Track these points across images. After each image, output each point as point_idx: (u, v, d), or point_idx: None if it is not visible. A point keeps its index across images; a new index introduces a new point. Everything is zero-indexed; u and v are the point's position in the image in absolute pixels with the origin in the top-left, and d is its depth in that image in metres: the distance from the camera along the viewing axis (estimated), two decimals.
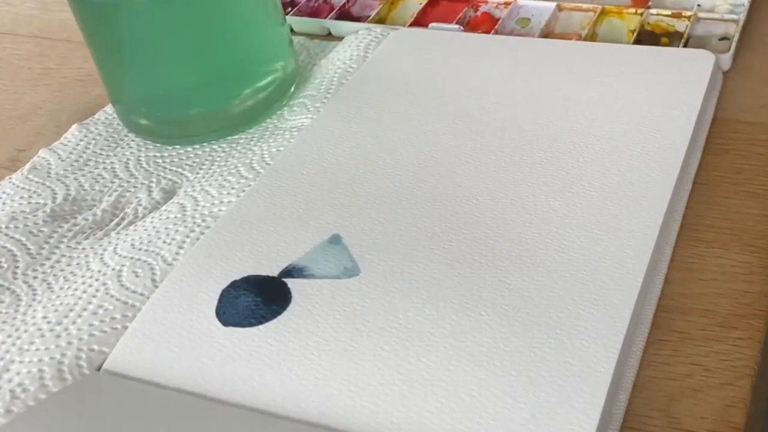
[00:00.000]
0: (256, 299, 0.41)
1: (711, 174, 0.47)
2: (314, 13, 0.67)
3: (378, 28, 0.62)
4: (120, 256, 0.46)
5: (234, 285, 0.42)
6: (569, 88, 0.53)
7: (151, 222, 0.48)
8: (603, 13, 0.63)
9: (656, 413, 0.36)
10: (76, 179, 0.53)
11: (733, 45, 0.56)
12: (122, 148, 0.56)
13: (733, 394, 0.36)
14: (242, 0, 0.53)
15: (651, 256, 0.40)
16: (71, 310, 0.43)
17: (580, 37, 0.60)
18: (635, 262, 0.40)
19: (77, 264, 0.47)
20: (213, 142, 0.55)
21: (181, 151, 0.55)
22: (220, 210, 0.48)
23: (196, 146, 0.55)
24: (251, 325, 0.40)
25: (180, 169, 0.53)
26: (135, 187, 0.52)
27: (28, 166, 0.54)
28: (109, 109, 0.59)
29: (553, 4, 0.64)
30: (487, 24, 0.64)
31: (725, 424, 0.35)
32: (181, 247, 0.46)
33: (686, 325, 0.39)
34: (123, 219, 0.50)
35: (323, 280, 0.42)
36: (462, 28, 0.62)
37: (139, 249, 0.46)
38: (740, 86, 0.54)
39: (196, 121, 0.55)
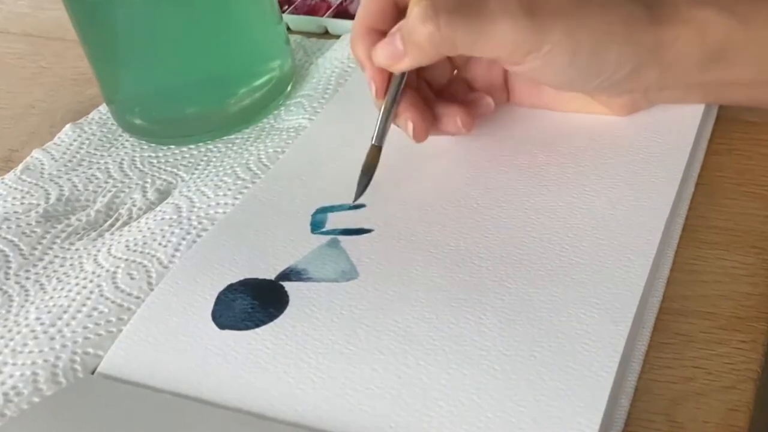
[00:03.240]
0: (253, 302, 0.41)
1: (714, 174, 0.46)
2: (311, 11, 0.67)
3: None
4: (114, 257, 0.46)
5: (230, 288, 0.42)
6: None
7: (146, 223, 0.48)
8: None
9: (658, 417, 0.36)
10: (69, 179, 0.53)
11: None
12: (116, 148, 0.55)
13: (737, 398, 0.36)
14: None
15: (653, 259, 0.40)
16: (65, 312, 0.43)
17: None
18: (637, 265, 0.40)
19: (71, 265, 0.46)
20: (208, 142, 0.54)
21: (176, 151, 0.54)
22: (216, 212, 0.48)
23: (192, 146, 0.54)
24: (248, 328, 0.40)
25: (175, 170, 0.53)
26: (129, 187, 0.52)
27: (21, 166, 0.54)
28: (104, 108, 0.58)
29: None
30: None
31: (728, 428, 0.35)
32: (177, 250, 0.45)
33: (688, 327, 0.39)
34: (117, 220, 0.49)
35: (321, 284, 0.41)
36: None
37: (134, 251, 0.46)
38: None
39: (191, 120, 0.55)
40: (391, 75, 0.45)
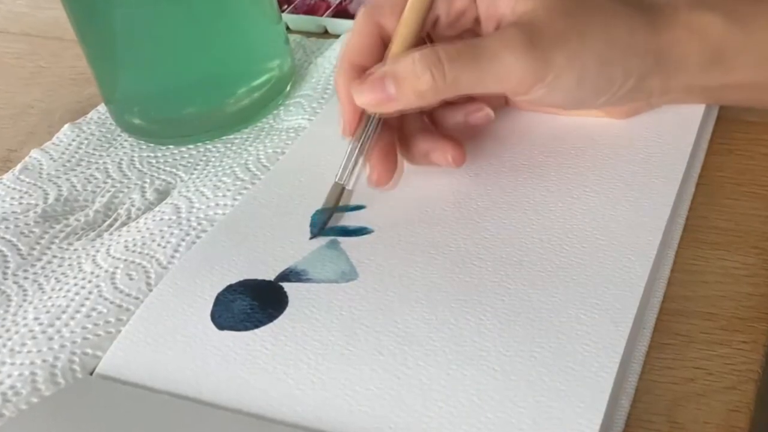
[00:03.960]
0: (252, 303, 0.41)
1: (714, 175, 0.46)
2: (310, 11, 0.67)
3: None
4: (113, 257, 0.45)
5: (230, 289, 0.42)
6: None
7: (145, 223, 0.48)
8: None
9: (659, 418, 0.36)
10: (68, 180, 0.52)
11: None
12: (115, 148, 0.55)
13: (737, 399, 0.36)
14: None
15: (654, 260, 0.40)
16: (64, 312, 0.43)
17: None
18: (638, 266, 0.40)
19: (69, 265, 0.46)
20: (207, 142, 0.54)
21: (175, 151, 0.54)
22: (215, 213, 0.48)
23: (191, 146, 0.54)
24: (247, 328, 0.40)
25: (174, 170, 0.53)
26: (128, 187, 0.52)
27: (19, 166, 0.54)
28: (102, 108, 0.58)
29: None
30: None
31: (729, 428, 0.35)
32: (176, 251, 0.45)
33: (689, 328, 0.39)
34: (116, 220, 0.49)
35: (320, 284, 0.41)
36: None
37: (133, 251, 0.46)
38: None
39: (190, 120, 0.54)
40: (363, 113, 0.43)
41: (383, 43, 0.44)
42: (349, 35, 0.45)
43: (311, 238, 0.44)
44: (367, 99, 0.42)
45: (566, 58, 0.40)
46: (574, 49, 0.41)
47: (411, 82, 0.40)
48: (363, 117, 0.44)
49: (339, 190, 0.44)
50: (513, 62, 0.40)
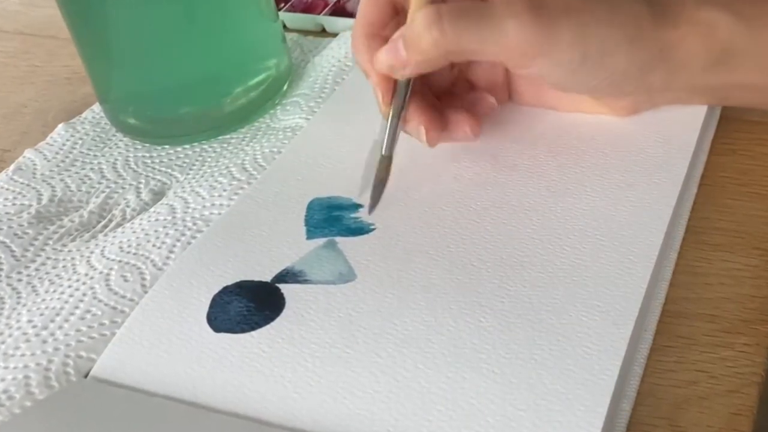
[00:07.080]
0: (249, 305, 0.40)
1: (717, 175, 0.46)
2: (308, 9, 0.66)
3: None
4: (108, 259, 0.45)
5: (226, 290, 0.41)
6: None
7: (140, 224, 0.47)
8: None
9: (661, 421, 0.35)
10: (62, 180, 0.52)
11: None
12: (110, 148, 0.55)
13: (740, 402, 0.36)
14: None
15: (656, 261, 0.40)
16: (58, 315, 0.42)
17: None
18: (639, 267, 0.39)
19: (63, 267, 0.46)
20: (203, 142, 0.54)
21: (171, 152, 0.54)
22: (211, 213, 0.47)
23: (186, 146, 0.54)
24: (243, 331, 0.39)
25: (169, 170, 0.52)
26: (123, 188, 0.51)
27: (12, 166, 0.53)
28: (97, 108, 0.58)
29: None
30: None
31: None
32: (171, 252, 0.45)
33: (691, 330, 0.38)
34: (110, 221, 0.49)
35: (318, 286, 0.41)
36: None
37: (128, 252, 0.45)
38: None
39: (186, 120, 0.54)
40: (396, 81, 0.44)
41: (396, 11, 0.45)
42: (360, 5, 0.45)
43: (370, 213, 0.45)
44: (383, 64, 0.43)
45: (570, 35, 0.40)
46: (579, 27, 0.40)
47: (415, 42, 0.41)
48: (396, 86, 0.44)
49: (387, 162, 0.44)
50: (516, 30, 0.40)
